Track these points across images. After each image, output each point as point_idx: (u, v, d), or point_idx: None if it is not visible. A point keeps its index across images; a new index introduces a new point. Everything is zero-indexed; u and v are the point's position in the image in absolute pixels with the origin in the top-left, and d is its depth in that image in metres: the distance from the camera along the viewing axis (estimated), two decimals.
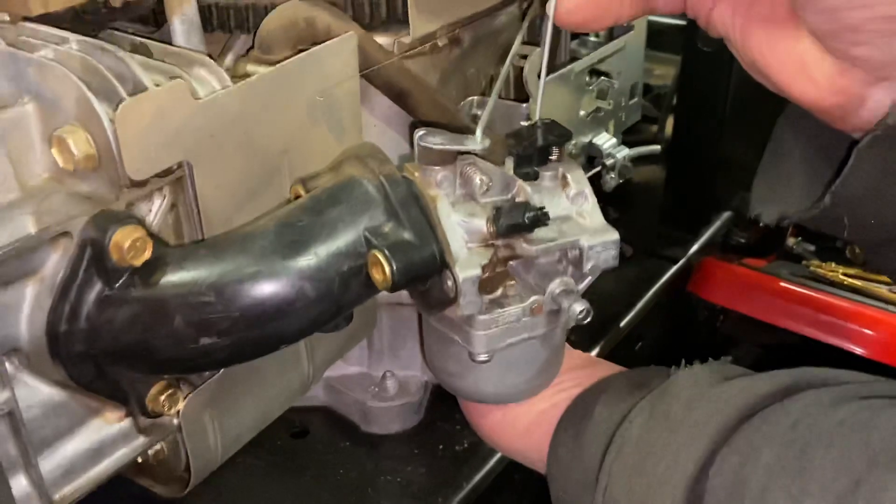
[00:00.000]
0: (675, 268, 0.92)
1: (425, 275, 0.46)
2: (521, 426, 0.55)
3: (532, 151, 0.48)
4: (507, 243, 0.47)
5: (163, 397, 0.49)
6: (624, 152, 0.74)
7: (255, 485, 0.66)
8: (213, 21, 0.59)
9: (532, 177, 0.48)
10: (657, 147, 0.87)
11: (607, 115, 0.75)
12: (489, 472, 0.69)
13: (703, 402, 0.46)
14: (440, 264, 0.46)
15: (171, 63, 0.50)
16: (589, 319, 0.47)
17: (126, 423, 0.51)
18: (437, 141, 0.47)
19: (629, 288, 0.89)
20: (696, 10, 0.50)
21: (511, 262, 0.48)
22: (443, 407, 0.72)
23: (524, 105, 0.65)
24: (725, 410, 0.45)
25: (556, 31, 0.70)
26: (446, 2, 0.58)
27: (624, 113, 0.78)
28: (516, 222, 0.45)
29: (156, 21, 0.60)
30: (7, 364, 0.45)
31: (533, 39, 0.66)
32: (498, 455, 0.69)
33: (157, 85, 0.48)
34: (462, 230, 0.46)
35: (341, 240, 0.45)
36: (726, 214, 1.03)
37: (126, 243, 0.43)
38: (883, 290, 1.02)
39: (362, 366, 0.72)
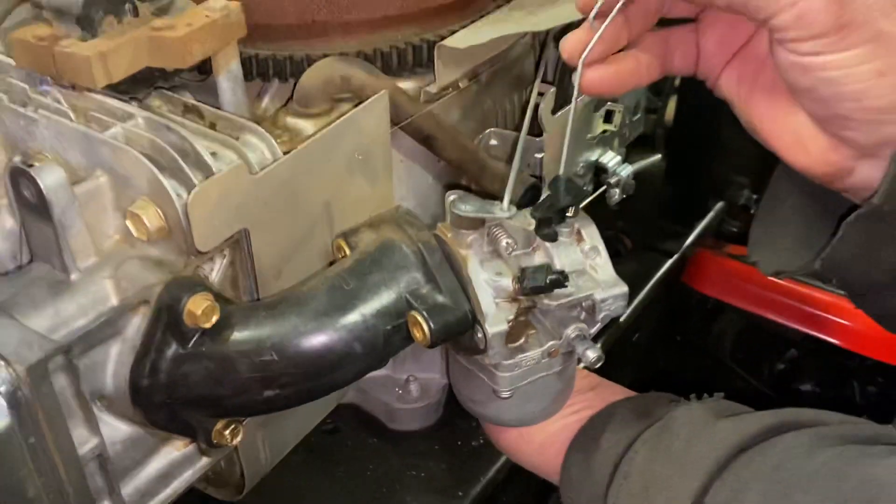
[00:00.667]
0: (670, 261, 0.98)
1: (459, 332, 0.52)
2: (536, 444, 0.62)
3: (552, 214, 0.54)
4: (529, 298, 0.53)
5: (227, 431, 0.55)
6: (627, 170, 0.80)
7: (293, 479, 0.73)
8: (252, 71, 0.64)
9: (552, 238, 0.54)
10: (658, 156, 0.93)
11: (613, 134, 0.80)
12: (503, 465, 0.76)
13: (700, 441, 0.53)
14: (472, 321, 0.52)
15: (223, 131, 0.56)
16: (600, 364, 0.54)
17: (191, 448, 0.58)
18: (468, 209, 0.53)
19: (628, 283, 0.95)
20: (706, 74, 0.56)
21: (532, 311, 0.55)
22: (460, 406, 0.79)
23: (538, 139, 0.70)
24: (719, 449, 0.52)
25: (565, 70, 0.76)
26: (468, 52, 0.63)
27: (628, 129, 0.83)
28: (538, 285, 0.51)
29: (202, 68, 0.65)
30: (94, 409, 0.52)
31: (546, 79, 0.71)
32: None
33: (213, 154, 0.53)
34: (490, 288, 0.52)
35: (384, 301, 0.51)
36: (719, 204, 1.09)
37: (198, 311, 0.49)
38: None
39: (387, 369, 0.79)
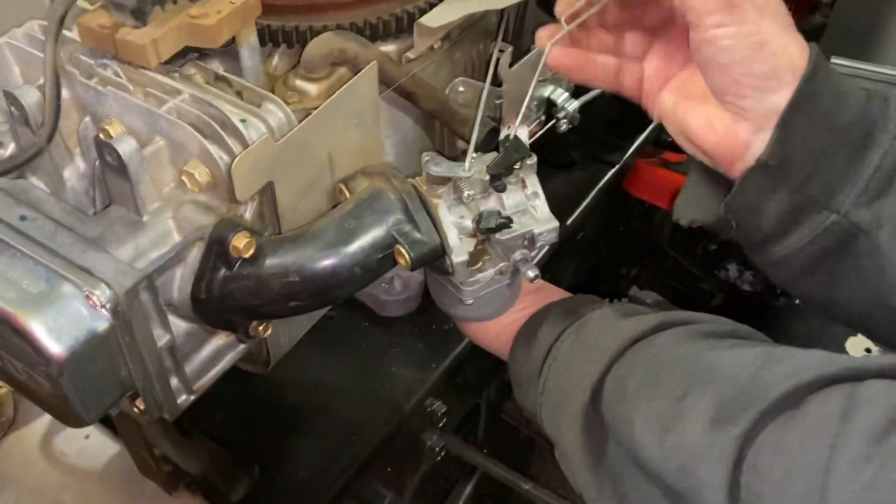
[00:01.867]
0: (612, 171, 1.16)
1: (433, 259, 0.70)
2: (492, 333, 0.82)
3: (502, 170, 0.71)
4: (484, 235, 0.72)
5: (260, 328, 0.74)
6: (574, 104, 0.96)
7: (303, 355, 0.91)
8: (265, 38, 0.78)
9: (501, 189, 0.71)
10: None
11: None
12: (466, 345, 0.96)
13: (606, 335, 0.72)
14: (442, 251, 0.70)
15: (249, 99, 0.72)
16: (538, 280, 0.73)
17: (233, 337, 0.76)
18: (438, 170, 0.70)
19: (576, 190, 1.13)
20: (647, 101, 0.74)
21: (487, 241, 0.73)
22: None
23: (499, 89, 0.86)
24: (618, 340, 0.71)
25: (522, 24, 0.91)
26: (442, 25, 0.78)
27: None
28: (490, 227, 0.69)
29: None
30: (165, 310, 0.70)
31: (506, 38, 0.86)
32: None
33: (243, 121, 0.70)
34: (455, 228, 0.70)
35: (376, 237, 0.69)
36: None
37: (241, 245, 0.66)
38: None
39: None
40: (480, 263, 0.73)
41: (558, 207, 1.12)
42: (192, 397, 0.74)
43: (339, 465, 0.85)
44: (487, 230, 0.69)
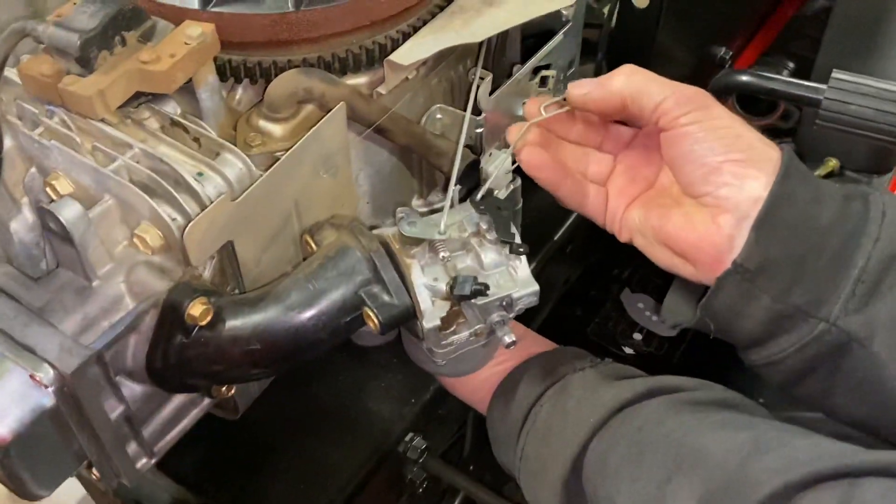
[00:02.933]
0: None
1: (403, 322, 0.66)
2: (469, 388, 0.79)
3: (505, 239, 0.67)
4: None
5: (223, 388, 0.70)
6: None
7: (273, 390, 0.89)
8: (226, 74, 0.73)
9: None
10: None
11: (547, 92, 0.90)
12: None
13: (588, 402, 0.69)
14: (412, 313, 0.66)
15: (206, 148, 0.67)
16: (513, 347, 0.69)
17: (197, 395, 0.73)
18: (413, 231, 0.65)
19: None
20: (612, 222, 0.72)
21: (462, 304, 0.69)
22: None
23: (479, 117, 0.81)
24: (600, 410, 0.67)
25: (503, 47, 0.85)
26: (413, 63, 0.72)
27: (563, 84, 0.93)
28: (463, 293, 0.65)
29: None
30: (119, 377, 0.67)
31: (487, 66, 0.81)
32: None
33: (200, 174, 0.65)
34: (428, 290, 0.66)
35: (343, 299, 0.65)
36: None
37: (197, 313, 0.62)
38: None
39: None
40: (454, 326, 0.69)
41: (545, 221, 1.07)
42: (154, 460, 0.70)
43: None
44: (461, 297, 0.65)
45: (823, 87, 0.94)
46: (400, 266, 0.66)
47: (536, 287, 0.68)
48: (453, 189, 0.79)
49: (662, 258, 0.67)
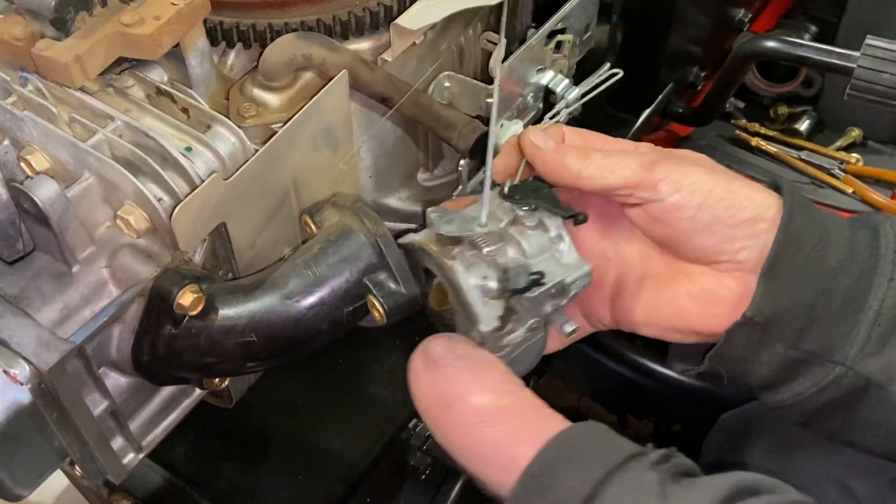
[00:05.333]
0: None
1: (410, 313, 0.61)
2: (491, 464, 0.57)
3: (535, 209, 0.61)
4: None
5: (216, 380, 0.65)
6: (574, 93, 0.84)
7: (270, 376, 0.84)
8: (217, 37, 0.67)
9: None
10: (605, 67, 0.96)
11: (563, 58, 0.84)
12: None
13: None
14: (421, 302, 0.61)
15: (195, 120, 0.61)
16: (574, 335, 0.63)
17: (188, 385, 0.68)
18: (451, 229, 0.59)
19: None
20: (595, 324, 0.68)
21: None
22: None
23: (489, 86, 0.75)
24: None
25: (517, 8, 0.78)
26: (422, 27, 0.66)
27: (578, 49, 0.87)
28: (518, 287, 0.58)
29: None
30: (104, 369, 0.61)
31: (497, 30, 0.74)
32: None
33: (188, 148, 0.59)
34: (479, 292, 0.59)
35: (346, 287, 0.60)
36: (669, 86, 1.14)
37: (186, 303, 0.57)
38: (793, 157, 1.17)
39: None
40: (510, 325, 0.63)
41: None
42: (142, 454, 0.65)
43: None
44: (517, 291, 0.59)
45: (856, 54, 0.88)
46: (445, 270, 0.59)
47: (588, 267, 0.62)
48: (464, 163, 0.73)
49: (674, 338, 0.64)
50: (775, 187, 0.61)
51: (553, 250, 0.62)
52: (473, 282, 0.59)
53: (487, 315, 0.59)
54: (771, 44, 0.93)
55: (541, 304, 0.62)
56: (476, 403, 0.55)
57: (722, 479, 0.52)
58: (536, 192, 0.62)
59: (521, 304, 0.62)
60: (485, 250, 0.59)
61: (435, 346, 0.58)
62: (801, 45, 0.92)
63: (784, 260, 0.57)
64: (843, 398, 0.59)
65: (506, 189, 0.63)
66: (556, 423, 0.54)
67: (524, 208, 0.62)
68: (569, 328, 0.62)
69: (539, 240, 0.62)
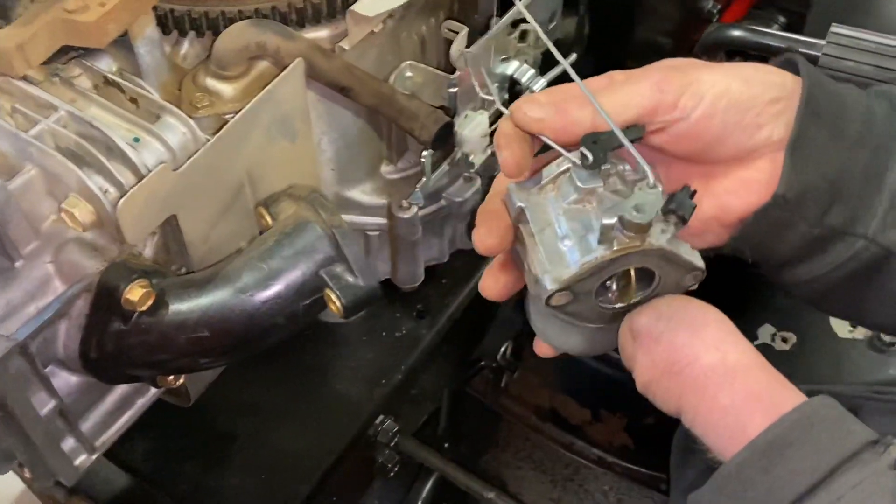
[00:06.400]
0: None
1: (369, 305, 0.59)
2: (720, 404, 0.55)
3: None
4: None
5: (170, 378, 0.64)
6: (540, 83, 0.83)
7: (232, 372, 0.82)
8: (169, 25, 0.65)
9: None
10: (572, 57, 0.95)
11: (528, 48, 0.83)
12: (421, 353, 0.87)
13: None
14: (378, 295, 0.59)
15: (144, 110, 0.59)
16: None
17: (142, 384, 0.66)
18: (643, 216, 0.50)
19: None
20: None
21: None
22: (385, 299, 0.88)
23: (451, 76, 0.73)
24: None
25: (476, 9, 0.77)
26: (380, 14, 0.65)
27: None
28: (689, 209, 0.50)
29: None
30: (51, 367, 0.59)
31: (460, 18, 0.73)
32: (428, 339, 0.87)
33: (136, 139, 0.57)
34: (675, 242, 0.52)
35: (302, 280, 0.58)
36: None
37: (135, 298, 0.55)
38: None
39: None
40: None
41: None
42: (95, 455, 0.64)
43: None
44: (690, 214, 0.51)
45: (821, 42, 0.88)
46: (647, 254, 0.52)
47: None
48: (427, 154, 0.72)
49: (720, 238, 0.60)
50: (790, 63, 0.59)
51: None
52: (665, 239, 0.52)
53: (690, 252, 0.54)
54: (737, 32, 0.92)
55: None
56: (706, 364, 0.53)
57: None
58: (596, 144, 0.56)
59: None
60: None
61: (639, 320, 0.56)
62: (767, 33, 0.91)
63: (807, 135, 0.56)
64: (861, 271, 0.58)
65: (589, 157, 0.53)
66: (790, 394, 0.53)
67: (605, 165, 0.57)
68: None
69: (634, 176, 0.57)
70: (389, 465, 0.91)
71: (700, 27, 1.18)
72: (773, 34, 0.91)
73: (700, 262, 0.54)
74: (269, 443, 0.81)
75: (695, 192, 0.52)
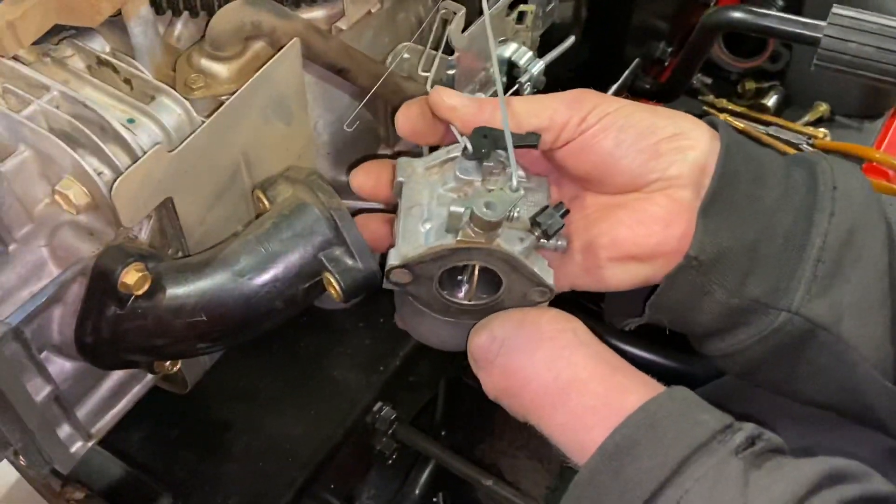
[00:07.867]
0: None
1: (368, 290, 0.59)
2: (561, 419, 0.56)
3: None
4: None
5: (167, 364, 0.63)
6: (539, 65, 0.82)
7: (228, 359, 0.81)
8: (162, 5, 0.64)
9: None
10: (570, 40, 0.94)
11: (525, 31, 0.82)
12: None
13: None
14: (379, 278, 0.58)
15: (138, 92, 0.58)
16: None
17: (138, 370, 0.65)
18: (496, 212, 0.53)
19: None
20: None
21: None
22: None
23: (451, 58, 0.72)
24: None
25: None
26: None
27: (541, 21, 0.84)
28: (556, 228, 0.55)
29: None
30: (46, 353, 0.59)
31: None
32: None
33: (131, 120, 0.56)
34: (534, 254, 0.56)
35: (301, 263, 0.57)
36: (635, 61, 1.12)
37: (131, 282, 0.54)
38: (760, 132, 1.15)
39: None
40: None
41: None
42: (91, 442, 0.63)
43: (272, 493, 0.76)
44: (555, 232, 0.55)
45: (822, 23, 0.87)
46: (493, 253, 0.55)
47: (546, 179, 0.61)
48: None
49: (615, 277, 0.59)
50: (711, 124, 0.59)
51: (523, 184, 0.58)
52: (519, 249, 0.55)
53: (544, 269, 0.56)
54: (737, 14, 0.92)
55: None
56: (538, 386, 0.54)
57: (809, 466, 0.49)
58: (486, 139, 0.57)
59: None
60: (515, 213, 0.55)
61: (476, 341, 0.57)
62: (768, 15, 0.90)
63: (722, 197, 0.56)
64: (787, 345, 0.56)
65: (469, 147, 0.57)
66: (634, 397, 0.52)
67: (489, 162, 0.58)
68: (563, 242, 0.58)
69: (526, 183, 0.59)
70: (387, 453, 0.90)
71: (698, 10, 1.18)
72: (773, 15, 0.90)
73: (550, 281, 0.56)
74: (266, 430, 0.80)
75: (567, 211, 0.55)
